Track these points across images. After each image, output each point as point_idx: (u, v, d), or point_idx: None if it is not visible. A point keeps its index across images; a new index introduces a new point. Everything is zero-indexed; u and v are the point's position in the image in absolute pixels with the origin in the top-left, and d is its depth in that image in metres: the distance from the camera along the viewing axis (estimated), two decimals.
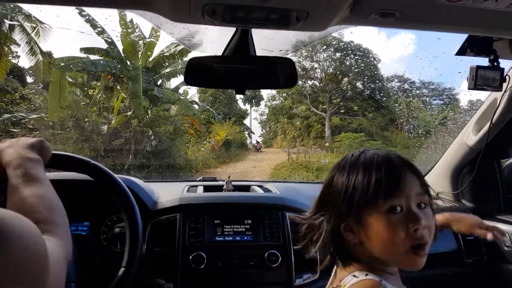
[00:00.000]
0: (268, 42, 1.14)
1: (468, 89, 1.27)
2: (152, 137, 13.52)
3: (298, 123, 28.63)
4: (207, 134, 20.26)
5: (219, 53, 1.10)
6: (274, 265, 1.31)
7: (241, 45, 1.04)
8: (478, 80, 1.25)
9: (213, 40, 1.17)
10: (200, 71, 1.09)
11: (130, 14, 13.07)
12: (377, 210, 0.75)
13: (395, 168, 0.76)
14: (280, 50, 1.25)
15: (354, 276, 0.78)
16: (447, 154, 1.82)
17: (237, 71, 1.08)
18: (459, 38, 1.26)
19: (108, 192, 1.13)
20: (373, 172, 0.76)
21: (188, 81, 1.10)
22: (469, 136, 1.65)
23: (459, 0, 0.70)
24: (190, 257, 1.28)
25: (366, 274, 0.76)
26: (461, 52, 1.27)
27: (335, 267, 0.88)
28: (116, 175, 1.14)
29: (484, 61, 1.27)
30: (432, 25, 0.89)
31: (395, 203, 0.74)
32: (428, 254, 0.76)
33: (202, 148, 17.16)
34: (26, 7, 12.08)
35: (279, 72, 1.09)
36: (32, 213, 0.64)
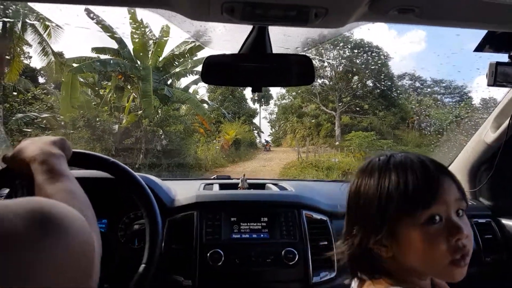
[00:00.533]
0: (284, 39, 1.14)
1: (488, 85, 1.24)
2: (163, 136, 13.59)
3: (307, 122, 28.46)
4: (217, 133, 20.26)
5: (235, 50, 1.10)
6: (291, 263, 1.31)
7: (257, 42, 1.03)
8: (498, 77, 1.22)
9: (227, 37, 1.17)
10: (216, 69, 1.09)
11: (140, 13, 13.21)
12: (414, 220, 0.67)
13: (432, 172, 0.69)
14: (297, 48, 1.24)
15: None
16: (464, 151, 1.79)
17: (254, 69, 1.08)
18: (477, 34, 1.24)
19: (128, 190, 1.14)
20: (409, 177, 0.68)
21: (205, 79, 1.10)
22: (487, 133, 1.62)
23: None
24: (208, 254, 1.29)
25: None
26: (480, 48, 1.25)
27: (354, 281, 0.80)
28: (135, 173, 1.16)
29: (503, 57, 1.24)
30: (451, 21, 0.87)
31: (434, 212, 0.67)
32: None
33: (217, 147, 17.19)
34: (44, 6, 12.25)
35: (296, 69, 1.09)
36: None
